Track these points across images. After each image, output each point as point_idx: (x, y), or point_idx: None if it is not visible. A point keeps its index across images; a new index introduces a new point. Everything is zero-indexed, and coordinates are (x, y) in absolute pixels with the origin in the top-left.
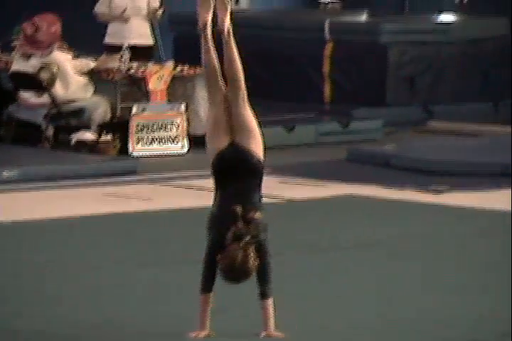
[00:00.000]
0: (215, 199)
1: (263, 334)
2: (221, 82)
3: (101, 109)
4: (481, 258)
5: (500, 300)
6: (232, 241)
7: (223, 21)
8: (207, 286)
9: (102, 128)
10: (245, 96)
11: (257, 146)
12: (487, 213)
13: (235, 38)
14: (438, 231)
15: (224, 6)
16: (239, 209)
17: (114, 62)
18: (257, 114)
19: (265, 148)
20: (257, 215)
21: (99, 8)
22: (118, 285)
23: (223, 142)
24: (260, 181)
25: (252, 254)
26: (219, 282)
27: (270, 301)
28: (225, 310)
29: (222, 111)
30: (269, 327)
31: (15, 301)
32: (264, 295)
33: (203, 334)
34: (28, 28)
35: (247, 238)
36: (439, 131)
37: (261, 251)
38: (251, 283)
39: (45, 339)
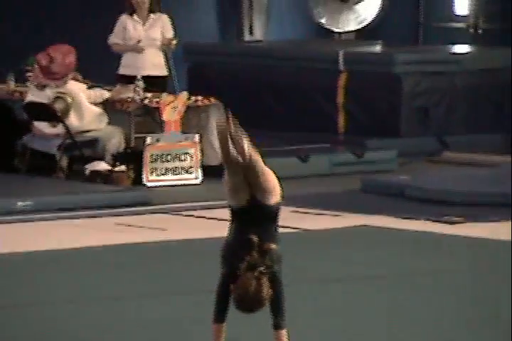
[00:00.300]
0: (231, 228)
1: None
2: (237, 156)
3: (115, 140)
4: (490, 291)
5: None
6: (246, 270)
7: (243, 150)
8: (220, 316)
9: (116, 158)
10: (262, 165)
11: (275, 196)
12: (500, 244)
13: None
14: (452, 263)
15: (240, 136)
16: (255, 238)
17: (128, 93)
18: (272, 145)
19: (279, 179)
20: (273, 246)
21: (113, 40)
22: (131, 318)
23: (244, 198)
24: (277, 214)
25: (265, 284)
26: (232, 312)
27: (284, 332)
28: None
29: (242, 179)
30: None
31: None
32: (277, 326)
33: None
34: (42, 58)
35: (262, 268)
36: (453, 161)
37: (275, 282)
38: (265, 314)
39: None
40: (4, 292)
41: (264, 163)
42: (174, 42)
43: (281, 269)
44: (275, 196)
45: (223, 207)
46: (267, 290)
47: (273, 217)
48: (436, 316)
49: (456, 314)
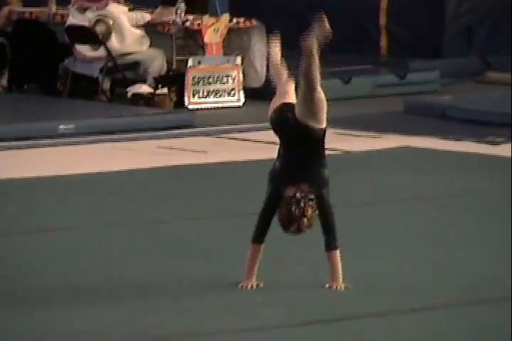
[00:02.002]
0: (279, 151)
1: (327, 285)
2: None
3: (157, 62)
4: None
5: None
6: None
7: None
8: (259, 237)
9: (158, 81)
10: (314, 83)
11: (322, 121)
12: None
13: None
14: (494, 184)
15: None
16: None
17: (169, 15)
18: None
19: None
20: (321, 171)
21: None
22: (175, 239)
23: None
24: (323, 139)
25: (309, 205)
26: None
27: (336, 253)
28: (290, 262)
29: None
30: (336, 278)
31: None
32: (328, 246)
33: (249, 284)
34: None
35: (305, 193)
36: (496, 81)
37: (322, 204)
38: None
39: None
40: (47, 213)
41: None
42: None
43: (328, 192)
44: (322, 120)
45: (265, 129)
46: (312, 212)
47: (318, 141)
48: (478, 236)
49: (495, 234)
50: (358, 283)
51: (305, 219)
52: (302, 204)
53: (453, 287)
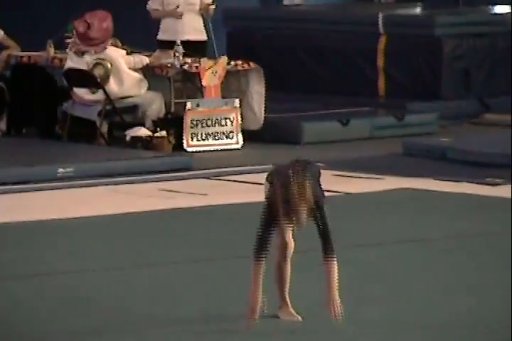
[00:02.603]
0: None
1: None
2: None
3: (155, 105)
4: None
5: None
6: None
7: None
8: (260, 255)
9: (157, 124)
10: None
11: None
12: None
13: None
14: (494, 226)
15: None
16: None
17: (167, 58)
18: (312, 109)
19: (320, 143)
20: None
21: (152, 5)
22: (177, 282)
23: None
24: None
25: (308, 187)
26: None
27: (333, 264)
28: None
29: None
30: (331, 290)
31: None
32: (326, 253)
33: (252, 322)
34: (80, 25)
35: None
36: (495, 123)
37: (318, 207)
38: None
39: None
40: (46, 259)
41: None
42: (213, 7)
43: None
44: None
45: (264, 171)
46: (310, 193)
47: None
48: (478, 279)
49: (496, 277)
50: (350, 326)
51: (304, 197)
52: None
53: (450, 331)
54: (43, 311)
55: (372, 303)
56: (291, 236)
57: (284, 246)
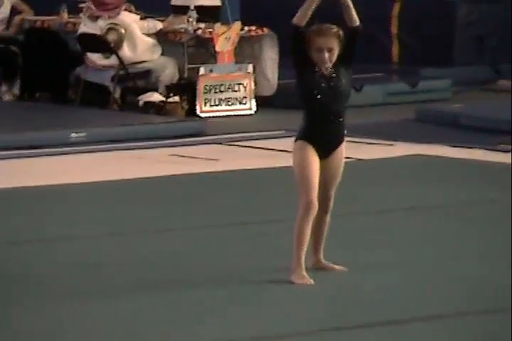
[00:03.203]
0: None
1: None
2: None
3: (168, 70)
4: None
5: None
6: None
7: None
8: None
9: (170, 89)
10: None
11: None
12: None
13: None
14: (502, 193)
15: None
16: None
17: (181, 23)
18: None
19: None
20: None
21: None
22: (183, 247)
23: None
24: None
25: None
26: None
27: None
28: None
29: None
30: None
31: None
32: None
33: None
34: None
35: None
36: (507, 90)
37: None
38: None
39: None
40: (60, 221)
41: None
42: None
43: None
44: None
45: (277, 136)
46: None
47: None
48: (485, 246)
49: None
50: (357, 292)
51: None
52: None
53: (453, 297)
54: (51, 275)
55: (381, 269)
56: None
57: (326, 200)
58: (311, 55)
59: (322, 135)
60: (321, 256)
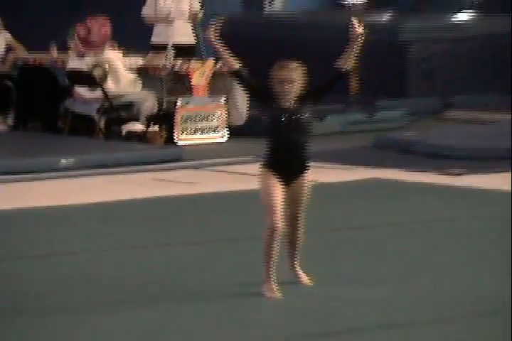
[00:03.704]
0: None
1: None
2: None
3: (149, 103)
4: (484, 237)
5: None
6: None
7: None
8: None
9: (150, 119)
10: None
11: None
12: (501, 194)
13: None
14: (452, 212)
15: None
16: None
17: (160, 60)
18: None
19: None
20: None
21: (146, 11)
22: (161, 264)
23: None
24: None
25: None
26: None
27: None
28: None
29: None
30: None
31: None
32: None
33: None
34: (81, 29)
35: None
36: (456, 119)
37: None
38: None
39: None
40: (53, 241)
41: None
42: (200, 14)
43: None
44: None
45: (247, 162)
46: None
47: None
48: (436, 260)
49: (452, 258)
50: (322, 304)
51: None
52: None
53: (416, 307)
54: (54, 288)
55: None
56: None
57: (295, 219)
58: (274, 87)
59: (284, 164)
60: (295, 264)
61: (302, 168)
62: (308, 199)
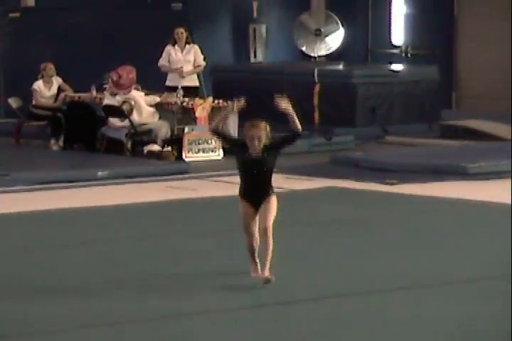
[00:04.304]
0: None
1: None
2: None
3: (164, 129)
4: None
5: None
6: None
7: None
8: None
9: (165, 142)
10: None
11: None
12: (428, 199)
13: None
14: (387, 213)
15: None
16: None
17: (172, 98)
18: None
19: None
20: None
21: (161, 62)
22: (174, 252)
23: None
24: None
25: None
26: None
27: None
28: None
29: None
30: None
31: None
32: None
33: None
34: (113, 75)
35: None
36: (393, 143)
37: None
38: None
39: None
40: (91, 232)
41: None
42: (203, 64)
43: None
44: None
45: (236, 174)
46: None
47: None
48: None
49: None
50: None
51: None
52: None
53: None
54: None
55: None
56: (268, 225)
57: (265, 230)
58: (246, 141)
59: (253, 196)
60: (266, 270)
61: (267, 194)
62: (275, 215)
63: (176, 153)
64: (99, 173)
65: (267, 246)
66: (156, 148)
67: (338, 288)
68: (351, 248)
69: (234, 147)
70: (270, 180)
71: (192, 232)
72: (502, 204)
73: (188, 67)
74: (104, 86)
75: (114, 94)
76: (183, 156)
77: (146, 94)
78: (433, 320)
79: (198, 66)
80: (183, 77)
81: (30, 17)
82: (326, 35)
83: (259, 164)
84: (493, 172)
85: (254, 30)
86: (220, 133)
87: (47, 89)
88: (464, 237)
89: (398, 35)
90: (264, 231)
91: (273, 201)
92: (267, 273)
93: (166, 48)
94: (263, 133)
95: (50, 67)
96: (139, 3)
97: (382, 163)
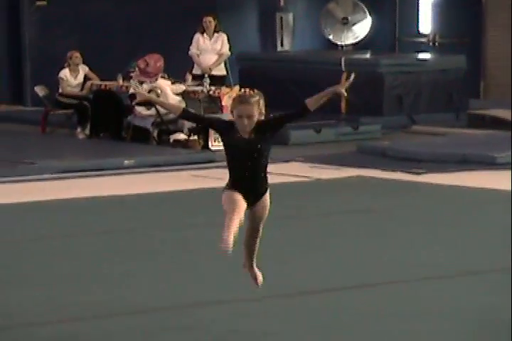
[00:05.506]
0: None
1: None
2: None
3: None
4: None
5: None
6: None
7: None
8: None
9: (191, 131)
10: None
11: None
12: (455, 189)
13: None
14: (413, 202)
15: None
16: None
17: (199, 86)
18: (297, 121)
19: (301, 144)
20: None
21: (192, 50)
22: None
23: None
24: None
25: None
26: None
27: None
28: None
29: None
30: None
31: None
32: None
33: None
34: (141, 63)
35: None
36: (419, 132)
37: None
38: None
39: None
40: (116, 220)
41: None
42: (226, 53)
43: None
44: None
45: None
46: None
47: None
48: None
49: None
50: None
51: None
52: None
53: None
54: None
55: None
56: (259, 227)
57: (255, 231)
58: (235, 120)
59: (245, 191)
60: (254, 265)
61: (261, 192)
62: (266, 216)
63: (202, 142)
64: (125, 162)
65: (255, 245)
66: (182, 136)
67: (361, 278)
68: (376, 237)
69: (217, 128)
70: (265, 171)
71: (217, 222)
72: None
73: (215, 55)
74: (131, 74)
75: (140, 83)
76: (209, 145)
77: (173, 83)
78: (458, 310)
79: (221, 55)
80: (210, 71)
81: (57, 5)
82: (354, 24)
83: (250, 149)
84: None
85: (281, 18)
86: (190, 115)
87: (73, 77)
88: (492, 227)
89: (425, 23)
90: (254, 233)
91: (267, 200)
92: (256, 269)
93: (194, 36)
94: (254, 109)
95: (77, 56)
96: None
97: (409, 153)
